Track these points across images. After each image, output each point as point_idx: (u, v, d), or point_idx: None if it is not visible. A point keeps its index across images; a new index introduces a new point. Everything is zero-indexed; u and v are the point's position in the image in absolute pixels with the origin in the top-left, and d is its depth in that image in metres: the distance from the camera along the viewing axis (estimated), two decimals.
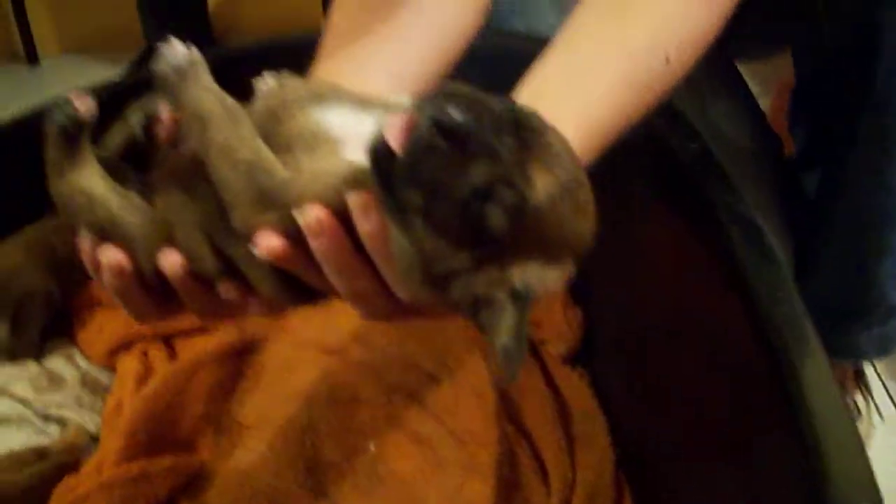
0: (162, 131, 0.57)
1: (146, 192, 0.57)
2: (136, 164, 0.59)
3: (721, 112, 0.97)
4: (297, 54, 1.12)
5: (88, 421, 0.96)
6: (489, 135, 0.45)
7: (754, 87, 1.07)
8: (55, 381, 1.01)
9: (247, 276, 0.56)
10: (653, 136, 0.78)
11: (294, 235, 0.51)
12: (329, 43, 0.70)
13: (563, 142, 0.48)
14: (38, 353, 1.03)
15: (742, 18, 0.76)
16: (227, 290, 0.56)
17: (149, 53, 1.97)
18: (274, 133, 0.54)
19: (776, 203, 0.96)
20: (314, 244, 0.51)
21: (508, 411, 0.96)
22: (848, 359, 1.10)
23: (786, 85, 1.07)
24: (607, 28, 0.68)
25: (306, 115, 0.55)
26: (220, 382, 0.95)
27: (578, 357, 1.03)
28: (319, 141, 0.54)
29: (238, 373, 0.98)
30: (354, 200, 0.49)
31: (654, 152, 0.81)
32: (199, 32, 2.17)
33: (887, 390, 1.18)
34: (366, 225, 0.50)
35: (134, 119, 0.58)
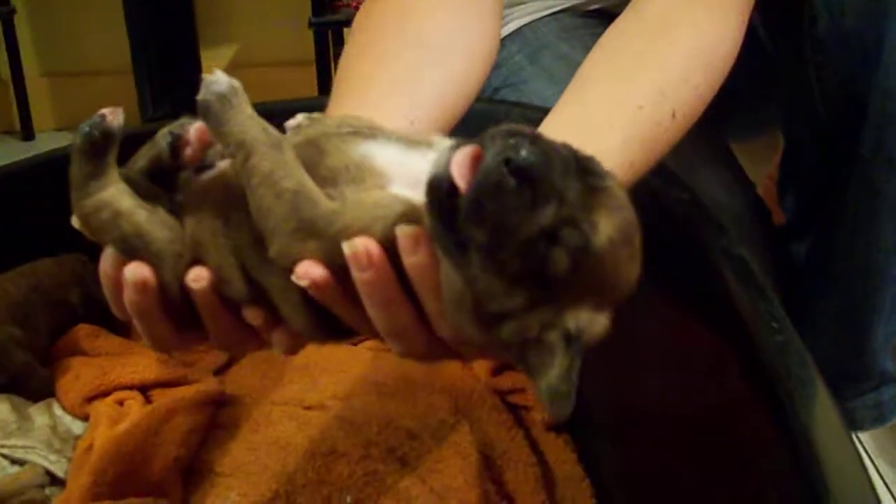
0: (189, 152, 0.57)
1: (175, 212, 0.57)
2: (162, 186, 0.58)
3: (710, 179, 0.98)
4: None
5: (56, 466, 0.93)
6: (558, 176, 0.45)
7: (746, 166, 1.08)
8: (25, 425, 0.98)
9: (277, 306, 0.55)
10: (646, 192, 0.78)
11: (336, 267, 0.51)
12: (340, 88, 0.71)
13: (622, 188, 0.49)
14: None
15: (733, 95, 0.79)
16: (254, 317, 0.55)
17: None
18: (316, 165, 0.54)
19: (768, 270, 0.97)
20: (360, 276, 0.50)
21: (491, 474, 0.94)
22: None
23: (777, 164, 1.09)
24: (619, 82, 0.71)
25: (350, 149, 0.55)
26: (196, 429, 0.93)
27: (564, 424, 1.01)
28: (365, 174, 0.54)
29: (214, 421, 0.96)
30: (405, 232, 0.49)
31: (647, 207, 0.81)
32: (195, 107, 2.22)
33: (877, 468, 1.16)
34: (414, 258, 0.49)
35: (162, 140, 0.57)
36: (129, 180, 0.56)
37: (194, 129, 0.56)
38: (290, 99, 1.32)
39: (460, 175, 0.46)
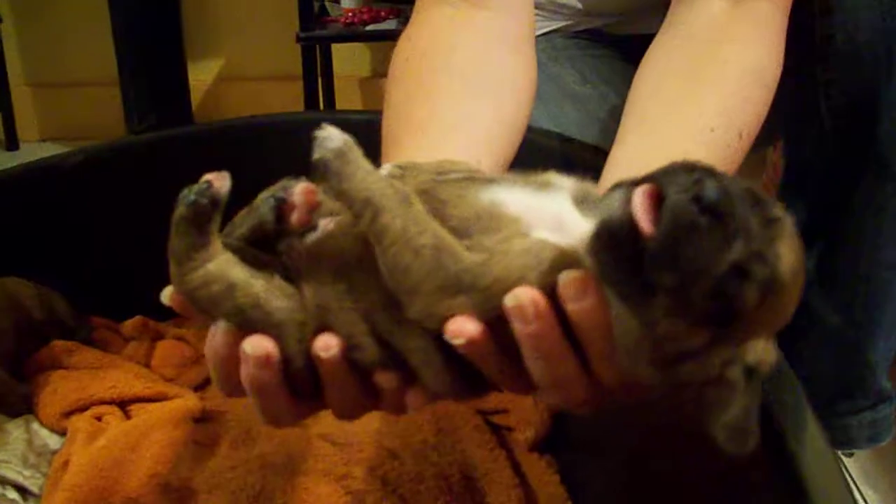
0: (296, 217, 0.54)
1: (288, 279, 0.54)
2: (265, 251, 0.55)
3: None
4: (283, 132, 1.14)
5: (30, 482, 0.91)
6: (742, 209, 0.44)
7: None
8: (1, 439, 0.96)
9: (416, 368, 0.52)
10: None
11: (489, 321, 0.48)
12: (397, 132, 0.69)
13: (788, 215, 0.48)
14: None
15: None
16: (388, 381, 0.52)
17: None
18: (441, 216, 0.51)
19: None
20: (524, 329, 0.48)
21: (473, 495, 0.93)
22: (837, 448, 1.08)
23: (770, 177, 1.09)
24: (685, 106, 0.69)
25: (473, 196, 0.53)
26: (174, 444, 0.91)
27: (547, 444, 1.01)
28: (499, 222, 0.51)
29: (193, 438, 0.95)
30: (572, 278, 0.47)
31: None
32: (181, 120, 2.21)
33: (862, 495, 1.15)
34: (582, 304, 0.47)
35: (264, 206, 0.54)
36: (233, 250, 0.53)
37: (299, 191, 0.53)
38: (276, 113, 1.31)
39: (644, 217, 0.44)
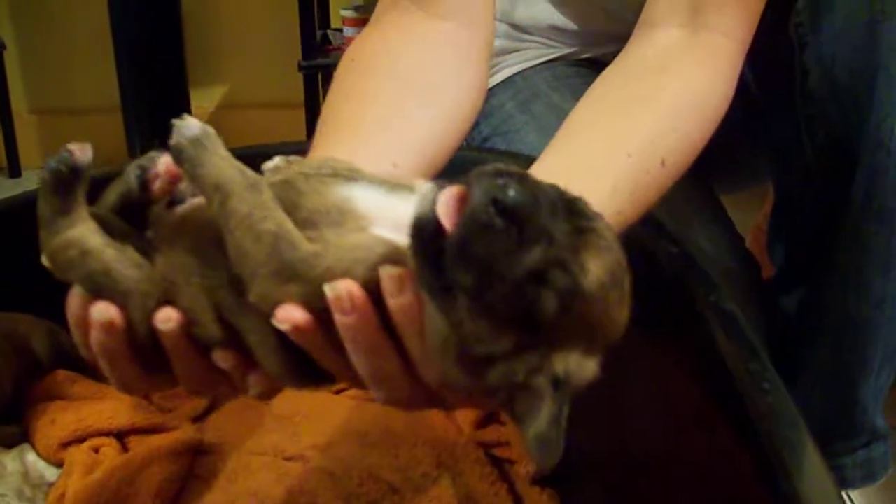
0: (158, 185, 0.56)
1: (146, 249, 0.55)
2: (133, 224, 0.58)
3: (699, 232, 0.97)
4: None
5: None
6: (546, 217, 0.45)
7: (735, 216, 1.08)
8: None
9: (252, 349, 0.53)
10: (635, 243, 0.77)
11: (318, 311, 0.50)
12: (325, 129, 0.71)
13: (611, 229, 0.48)
14: None
15: (723, 148, 0.78)
16: (224, 359, 0.54)
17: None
18: (295, 206, 0.53)
19: (757, 324, 0.96)
20: (343, 320, 0.49)
21: None
22: None
23: (766, 214, 1.08)
24: (607, 129, 0.70)
25: (330, 191, 0.54)
26: (171, 478, 0.90)
27: (549, 477, 0.99)
28: (346, 217, 0.53)
29: (191, 472, 0.94)
30: (389, 273, 0.48)
31: (635, 258, 0.81)
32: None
33: None
34: (399, 299, 0.48)
35: (131, 174, 0.56)
36: (99, 218, 0.55)
37: (163, 161, 0.55)
38: (276, 142, 1.31)
39: (446, 216, 0.45)
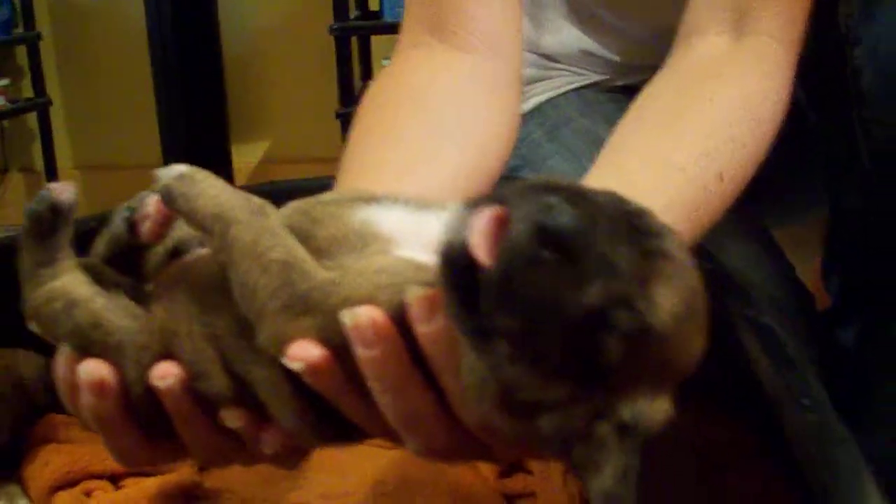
0: (148, 226, 0.50)
1: (143, 300, 0.50)
2: (129, 275, 0.52)
3: (747, 260, 0.88)
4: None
5: None
6: (606, 242, 0.37)
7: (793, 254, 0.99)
8: None
9: (265, 403, 0.46)
10: None
11: (336, 347, 0.43)
12: (349, 172, 0.65)
13: (683, 246, 0.41)
14: None
15: (775, 171, 0.72)
16: (234, 418, 0.47)
17: None
18: (308, 236, 0.46)
19: (809, 355, 0.86)
20: (365, 354, 0.42)
21: None
22: None
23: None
24: (658, 143, 0.64)
25: (349, 215, 0.48)
26: None
27: None
28: (367, 241, 0.46)
29: None
30: (417, 297, 0.41)
31: None
32: (222, 174, 2.21)
33: None
34: (429, 327, 0.41)
35: (117, 217, 0.51)
36: (89, 269, 0.50)
37: (153, 200, 0.49)
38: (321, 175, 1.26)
39: (482, 246, 0.37)
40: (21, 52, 2.41)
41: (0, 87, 2.33)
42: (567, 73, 1.08)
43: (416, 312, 0.41)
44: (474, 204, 0.38)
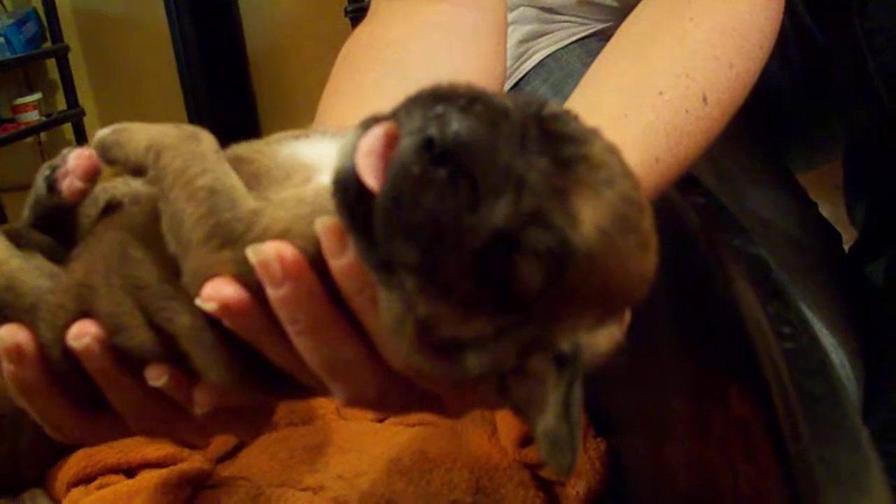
0: (68, 183, 0.47)
1: (63, 259, 0.46)
2: (59, 240, 0.49)
3: (761, 200, 0.83)
4: None
5: None
6: (512, 151, 0.32)
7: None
8: None
9: (189, 354, 0.42)
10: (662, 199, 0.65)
11: (257, 286, 0.39)
12: (318, 123, 0.62)
13: (612, 150, 0.36)
14: None
15: (789, 110, 0.66)
16: (157, 375, 0.43)
17: None
18: (239, 173, 0.43)
19: (835, 300, 0.80)
20: (276, 293, 0.38)
21: None
22: None
23: None
24: (634, 66, 0.60)
25: (277, 150, 0.45)
26: None
27: (603, 498, 0.86)
28: (291, 172, 0.43)
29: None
30: (327, 227, 0.37)
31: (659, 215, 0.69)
32: None
33: None
34: (341, 260, 0.37)
35: (39, 176, 0.48)
36: (12, 235, 0.47)
37: (73, 155, 0.46)
38: None
39: (368, 167, 0.33)
40: (52, 66, 2.43)
41: (33, 101, 2.35)
42: (568, 24, 1.04)
43: (326, 244, 0.37)
44: (366, 123, 0.34)
